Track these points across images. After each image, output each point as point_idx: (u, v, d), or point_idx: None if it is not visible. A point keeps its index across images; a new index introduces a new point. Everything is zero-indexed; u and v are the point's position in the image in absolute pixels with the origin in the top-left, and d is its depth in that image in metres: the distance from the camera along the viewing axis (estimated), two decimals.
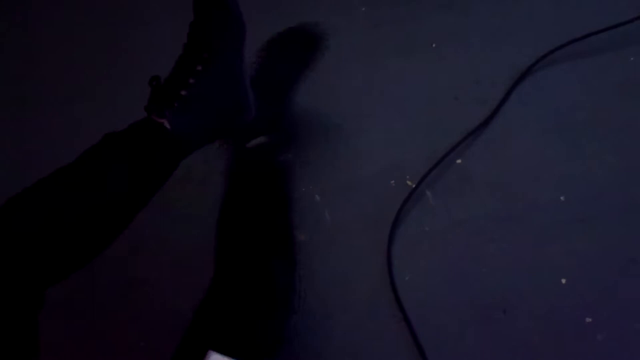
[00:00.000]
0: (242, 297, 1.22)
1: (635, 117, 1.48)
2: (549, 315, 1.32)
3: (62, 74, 1.68)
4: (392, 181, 1.47)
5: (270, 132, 1.53)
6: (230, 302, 1.21)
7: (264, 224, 1.31)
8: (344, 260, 1.40)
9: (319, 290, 1.38)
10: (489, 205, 1.43)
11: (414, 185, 1.44)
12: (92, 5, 1.77)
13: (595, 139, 1.47)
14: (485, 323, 1.32)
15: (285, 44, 1.66)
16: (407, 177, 1.47)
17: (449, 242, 1.40)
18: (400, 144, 1.51)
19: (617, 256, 1.36)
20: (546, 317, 1.32)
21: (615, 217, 1.39)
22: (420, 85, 1.56)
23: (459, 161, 1.47)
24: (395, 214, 1.42)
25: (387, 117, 1.53)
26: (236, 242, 1.30)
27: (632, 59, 1.54)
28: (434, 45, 1.59)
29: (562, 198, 1.41)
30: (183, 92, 1.10)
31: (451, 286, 1.36)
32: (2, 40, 1.76)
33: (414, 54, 1.60)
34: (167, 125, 1.08)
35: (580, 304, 1.32)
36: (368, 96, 1.53)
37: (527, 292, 1.34)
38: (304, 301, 1.37)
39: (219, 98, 1.14)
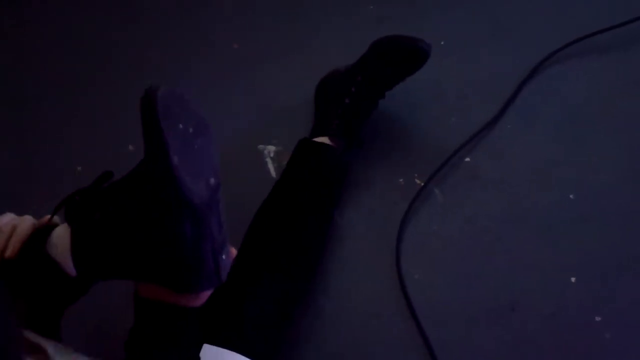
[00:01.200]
0: (248, 295, 1.21)
1: None
2: (558, 314, 1.32)
3: (62, 74, 1.68)
4: (401, 179, 1.46)
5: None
6: (237, 299, 1.20)
7: (272, 223, 1.30)
8: (353, 258, 1.40)
9: (328, 288, 1.37)
10: (497, 203, 1.43)
11: (422, 184, 1.44)
12: (92, 5, 1.76)
13: (603, 137, 1.47)
14: (494, 321, 1.32)
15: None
16: (416, 175, 1.46)
17: (457, 240, 1.40)
18: (409, 142, 1.50)
19: (626, 254, 1.36)
20: (555, 315, 1.32)
21: (624, 215, 1.39)
22: (428, 83, 1.56)
23: (467, 159, 1.47)
24: (404, 212, 1.41)
25: (395, 115, 1.53)
26: (250, 240, 1.30)
27: None
28: (442, 42, 1.59)
29: (571, 196, 1.41)
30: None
31: (460, 284, 1.36)
32: (2, 40, 1.75)
33: None
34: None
35: (589, 302, 1.32)
36: None
37: (536, 290, 1.34)
38: (314, 300, 1.36)
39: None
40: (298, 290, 1.29)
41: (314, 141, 1.40)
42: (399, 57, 1.36)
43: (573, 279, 1.34)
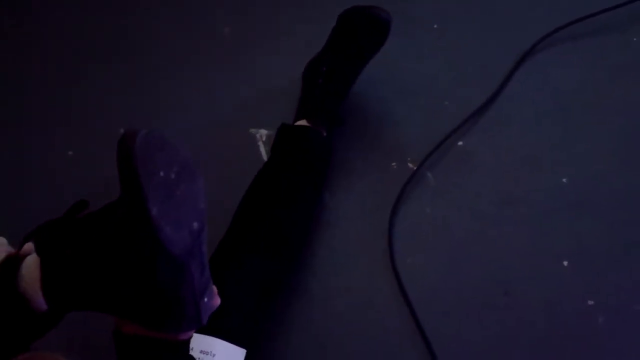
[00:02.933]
0: (228, 277, 1.21)
1: (638, 99, 1.47)
2: (551, 298, 1.31)
3: (62, 74, 1.66)
4: (394, 163, 1.46)
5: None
6: (230, 286, 1.20)
7: (254, 206, 1.30)
8: (345, 242, 1.39)
9: (320, 273, 1.37)
10: (490, 187, 1.42)
11: (415, 167, 1.44)
12: (93, 6, 1.75)
13: (597, 121, 1.47)
14: (487, 305, 1.32)
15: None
16: (409, 158, 1.45)
17: (450, 224, 1.39)
18: (402, 125, 1.50)
19: (618, 238, 1.36)
20: (548, 299, 1.31)
21: (617, 200, 1.39)
22: (421, 66, 1.55)
23: (460, 143, 1.46)
24: (396, 196, 1.41)
25: (388, 98, 1.52)
26: (235, 225, 1.29)
27: (635, 39, 1.53)
28: (435, 26, 1.58)
29: (564, 180, 1.41)
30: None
31: (452, 268, 1.36)
32: (2, 40, 1.73)
33: (415, 34, 1.58)
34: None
35: (582, 286, 1.32)
36: (368, 75, 1.51)
37: (529, 274, 1.34)
38: (304, 284, 1.36)
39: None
40: (281, 272, 1.28)
41: (292, 125, 1.40)
42: (360, 28, 1.35)
43: (565, 263, 1.34)
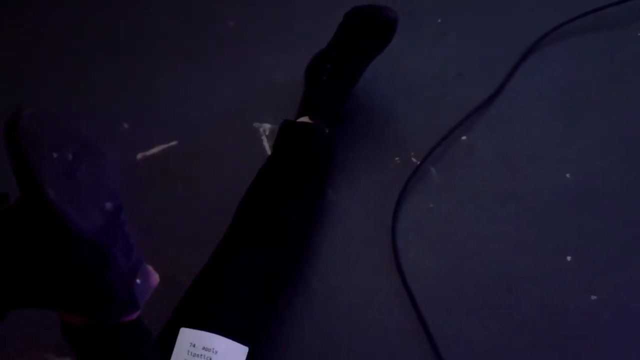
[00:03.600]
0: (229, 273, 1.21)
1: None
2: (554, 293, 1.31)
3: (61, 74, 1.66)
4: (397, 158, 1.45)
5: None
6: (217, 278, 1.20)
7: (257, 203, 1.29)
8: (348, 237, 1.39)
9: (323, 268, 1.37)
10: (494, 181, 1.42)
11: (418, 162, 1.43)
12: (92, 6, 1.74)
13: (601, 117, 1.46)
14: (490, 301, 1.32)
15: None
16: (412, 153, 1.45)
17: (453, 219, 1.39)
18: (405, 120, 1.49)
19: (622, 234, 1.35)
20: (551, 295, 1.31)
21: (620, 196, 1.38)
22: (424, 61, 1.55)
23: (464, 138, 1.46)
24: (399, 191, 1.40)
25: (391, 93, 1.51)
26: (237, 222, 1.29)
27: (639, 35, 1.52)
28: (439, 20, 1.57)
29: (567, 175, 1.40)
30: None
31: (456, 264, 1.35)
32: (2, 40, 1.73)
33: (418, 29, 1.58)
34: None
35: (585, 281, 1.32)
36: (371, 71, 1.50)
37: (532, 269, 1.33)
38: (307, 281, 1.36)
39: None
40: (283, 269, 1.28)
41: (295, 121, 1.40)
42: (366, 27, 1.35)
43: (569, 258, 1.33)
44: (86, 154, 0.76)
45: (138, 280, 0.81)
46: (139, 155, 1.49)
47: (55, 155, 0.73)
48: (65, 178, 0.73)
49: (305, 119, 1.39)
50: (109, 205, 0.76)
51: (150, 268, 0.85)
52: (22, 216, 0.75)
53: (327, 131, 1.39)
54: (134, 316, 0.83)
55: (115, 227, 0.77)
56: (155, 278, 0.85)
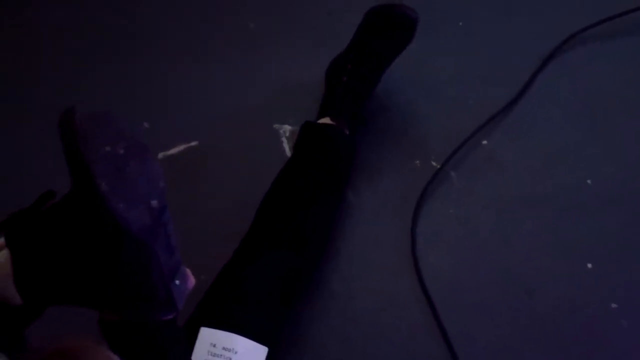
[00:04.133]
0: (250, 273, 1.21)
1: None
2: (574, 300, 1.31)
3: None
4: (417, 161, 1.45)
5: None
6: (239, 277, 1.20)
7: (278, 203, 1.30)
8: (368, 241, 1.39)
9: (343, 271, 1.37)
10: (514, 187, 1.41)
11: (438, 166, 1.43)
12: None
13: (623, 122, 1.45)
14: (510, 306, 1.31)
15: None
16: (432, 157, 1.45)
17: (473, 223, 1.39)
18: (425, 123, 1.49)
19: None
20: (571, 301, 1.31)
21: None
22: (445, 64, 1.54)
23: (484, 142, 1.46)
24: (419, 194, 1.40)
25: (412, 96, 1.51)
26: (258, 222, 1.29)
27: None
28: (460, 23, 1.57)
29: (589, 181, 1.40)
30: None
31: (475, 268, 1.35)
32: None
33: (439, 32, 1.57)
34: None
35: (606, 289, 1.31)
36: (392, 73, 1.50)
37: (552, 275, 1.33)
38: (326, 282, 1.36)
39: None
40: (303, 270, 1.29)
41: (316, 123, 1.40)
42: (386, 26, 1.34)
43: (590, 265, 1.33)
44: (135, 151, 0.77)
45: (177, 282, 0.81)
46: (160, 155, 1.50)
47: (107, 149, 0.74)
48: (117, 172, 0.74)
49: (326, 120, 1.39)
50: (154, 203, 0.76)
51: (188, 271, 0.85)
52: (69, 212, 0.76)
53: (347, 133, 1.39)
54: (171, 316, 0.84)
55: (159, 226, 0.77)
56: (191, 281, 0.85)
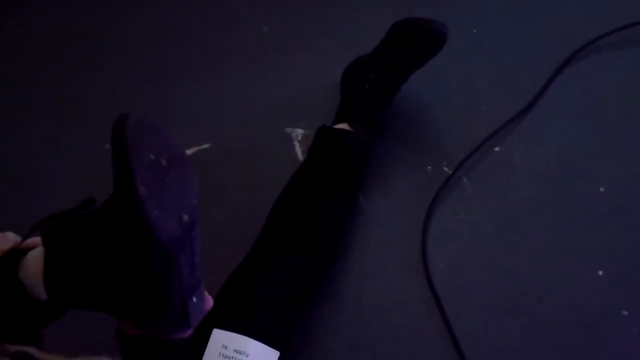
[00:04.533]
0: (261, 276, 1.21)
1: None
2: (584, 307, 1.30)
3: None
4: (429, 167, 1.45)
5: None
6: (249, 280, 1.20)
7: (291, 206, 1.30)
8: (379, 245, 1.39)
9: (353, 274, 1.37)
10: (526, 193, 1.41)
11: (450, 172, 1.43)
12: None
13: (635, 130, 1.45)
14: (520, 312, 1.31)
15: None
16: (444, 163, 1.45)
17: (484, 229, 1.39)
18: (438, 129, 1.49)
19: None
20: (581, 308, 1.30)
21: None
22: (459, 71, 1.55)
23: (497, 148, 1.46)
24: (431, 200, 1.40)
25: (424, 102, 1.51)
26: (270, 225, 1.30)
27: None
28: (474, 30, 1.57)
29: (601, 189, 1.40)
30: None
31: (486, 274, 1.35)
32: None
33: (453, 39, 1.57)
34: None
35: (617, 296, 1.31)
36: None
37: (563, 282, 1.33)
38: (336, 286, 1.36)
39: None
40: (314, 274, 1.29)
41: (332, 127, 1.40)
42: (415, 39, 1.34)
43: (601, 272, 1.33)
44: (176, 163, 0.79)
45: (194, 299, 0.82)
46: None
47: (152, 157, 0.75)
48: (157, 180, 0.76)
49: (343, 125, 1.39)
50: (186, 218, 0.77)
51: (206, 293, 0.86)
52: (105, 217, 0.78)
53: (363, 139, 1.39)
54: (185, 334, 0.84)
55: (187, 240, 0.78)
56: (209, 302, 0.86)
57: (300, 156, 1.48)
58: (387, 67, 1.38)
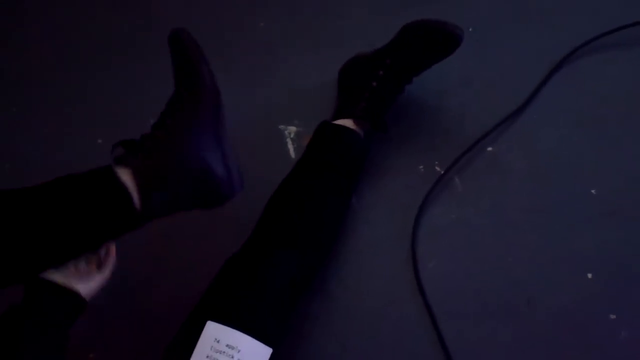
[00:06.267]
0: (271, 278, 1.21)
1: None
2: (573, 310, 1.31)
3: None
4: (421, 166, 1.45)
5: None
6: (260, 282, 1.20)
7: (288, 202, 1.30)
8: (368, 244, 1.40)
9: (342, 274, 1.37)
10: (518, 194, 1.41)
11: (442, 172, 1.43)
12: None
13: (631, 133, 1.45)
14: (508, 314, 1.31)
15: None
16: (436, 162, 1.45)
17: (475, 230, 1.39)
18: (431, 128, 1.49)
19: None
20: (570, 311, 1.31)
21: None
22: (453, 69, 1.54)
23: (490, 149, 1.45)
24: (422, 200, 1.40)
25: (418, 100, 1.51)
26: (266, 219, 1.30)
27: None
28: (470, 29, 1.56)
29: (593, 191, 1.39)
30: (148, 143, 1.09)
31: (475, 275, 1.35)
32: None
33: None
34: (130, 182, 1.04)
35: (605, 299, 1.31)
36: None
37: (552, 284, 1.33)
38: (325, 285, 1.36)
39: (181, 168, 1.06)
40: (311, 269, 1.29)
41: (337, 124, 1.39)
42: (431, 42, 1.34)
43: (590, 275, 1.33)
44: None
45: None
46: None
47: (208, 67, 1.14)
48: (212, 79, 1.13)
49: (345, 121, 1.39)
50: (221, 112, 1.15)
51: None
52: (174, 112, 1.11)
53: (363, 137, 1.39)
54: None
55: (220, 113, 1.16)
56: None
57: (293, 153, 1.48)
58: (398, 67, 1.37)
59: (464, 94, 1.52)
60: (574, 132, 1.45)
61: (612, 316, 1.29)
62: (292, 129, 1.51)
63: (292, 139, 1.50)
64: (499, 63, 1.54)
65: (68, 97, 1.62)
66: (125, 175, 1.03)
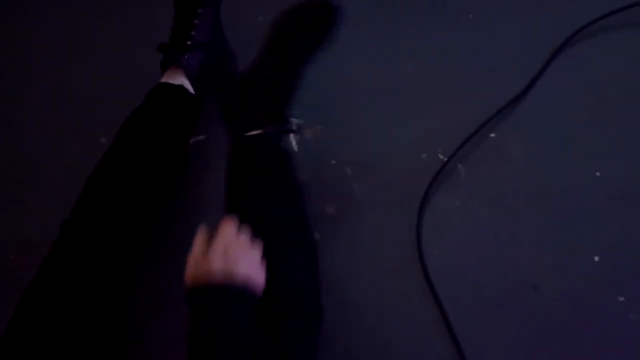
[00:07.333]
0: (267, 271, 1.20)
1: None
2: (581, 293, 1.30)
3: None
4: (424, 154, 1.45)
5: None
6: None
7: (292, 198, 1.29)
8: (373, 233, 1.39)
9: (347, 263, 1.37)
10: (522, 179, 1.41)
11: (445, 159, 1.43)
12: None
13: (633, 116, 1.44)
14: (515, 299, 1.31)
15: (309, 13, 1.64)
16: (439, 150, 1.45)
17: (480, 217, 1.39)
18: (433, 116, 1.49)
19: None
20: (578, 295, 1.30)
21: None
22: (455, 56, 1.54)
23: (492, 135, 1.45)
24: (425, 188, 1.40)
25: (420, 88, 1.51)
26: (263, 212, 1.29)
27: None
28: (470, 15, 1.56)
29: (597, 174, 1.39)
30: (193, 33, 1.39)
31: (481, 262, 1.35)
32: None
33: (449, 24, 1.57)
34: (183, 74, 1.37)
35: (613, 282, 1.30)
36: (401, 67, 1.50)
37: (559, 269, 1.32)
38: (331, 274, 1.36)
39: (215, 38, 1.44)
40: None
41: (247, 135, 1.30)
42: (305, 23, 1.31)
43: (597, 258, 1.32)
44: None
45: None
46: None
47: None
48: None
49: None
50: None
51: None
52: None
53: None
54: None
55: None
56: None
57: (295, 146, 1.48)
58: (284, 60, 1.31)
59: (464, 80, 1.51)
60: (576, 115, 1.45)
61: (621, 298, 1.29)
62: (294, 120, 1.51)
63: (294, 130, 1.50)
64: (500, 49, 1.54)
65: (71, 97, 1.62)
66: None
